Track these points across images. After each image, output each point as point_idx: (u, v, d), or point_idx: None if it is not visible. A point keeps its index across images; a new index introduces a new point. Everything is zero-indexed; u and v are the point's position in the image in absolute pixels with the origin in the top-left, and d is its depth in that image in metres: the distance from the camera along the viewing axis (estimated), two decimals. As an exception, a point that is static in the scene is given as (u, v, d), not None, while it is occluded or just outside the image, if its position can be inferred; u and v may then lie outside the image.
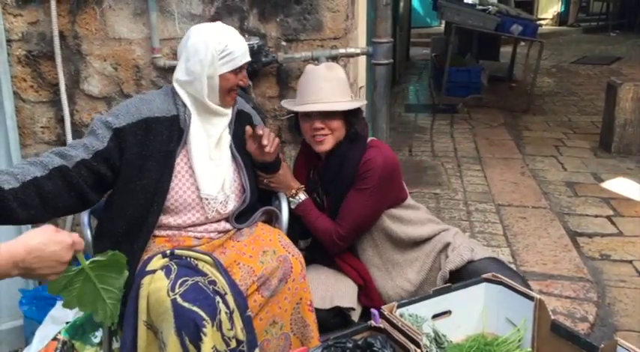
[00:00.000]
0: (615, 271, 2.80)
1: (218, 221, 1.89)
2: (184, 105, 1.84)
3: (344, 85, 2.05)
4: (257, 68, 2.39)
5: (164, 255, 1.73)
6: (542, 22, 11.46)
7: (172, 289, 1.57)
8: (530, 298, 1.72)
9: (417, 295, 1.86)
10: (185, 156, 1.84)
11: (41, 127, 2.61)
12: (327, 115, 1.99)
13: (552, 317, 1.66)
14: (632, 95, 4.43)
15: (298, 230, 2.15)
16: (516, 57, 7.66)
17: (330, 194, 2.13)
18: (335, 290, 2.08)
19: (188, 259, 1.74)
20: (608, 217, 3.40)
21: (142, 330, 1.62)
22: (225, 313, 1.58)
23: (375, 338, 1.51)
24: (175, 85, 1.85)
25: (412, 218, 2.18)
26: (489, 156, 4.53)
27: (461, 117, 5.80)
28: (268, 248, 1.85)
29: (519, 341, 1.76)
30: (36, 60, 2.52)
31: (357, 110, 2.05)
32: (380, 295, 2.16)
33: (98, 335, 2.05)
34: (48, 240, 1.17)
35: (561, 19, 13.78)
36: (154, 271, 1.65)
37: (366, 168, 2.03)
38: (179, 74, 1.84)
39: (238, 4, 2.42)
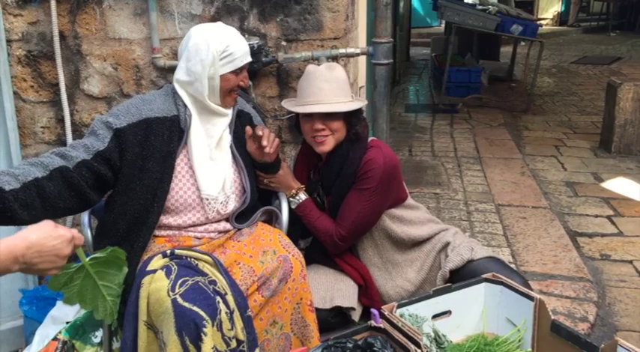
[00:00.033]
0: (615, 271, 2.80)
1: (218, 221, 1.89)
2: (185, 106, 1.84)
3: (345, 85, 2.05)
4: (257, 68, 2.39)
5: (164, 255, 1.73)
6: (542, 22, 11.48)
7: (173, 289, 1.57)
8: (531, 298, 1.72)
9: (418, 295, 1.86)
10: (185, 156, 1.84)
11: (41, 127, 2.61)
12: (327, 116, 1.99)
13: (552, 317, 1.66)
14: (632, 95, 4.42)
15: (298, 230, 2.15)
16: (516, 57, 7.67)
17: (331, 194, 2.13)
18: (335, 290, 2.08)
19: (188, 259, 1.74)
20: (609, 217, 3.40)
21: (142, 330, 1.62)
22: (226, 313, 1.58)
23: (375, 338, 1.51)
24: (176, 85, 1.85)
25: (412, 218, 2.18)
26: (489, 156, 4.53)
27: (461, 117, 5.80)
28: (268, 248, 1.85)
29: (519, 341, 1.76)
30: (36, 60, 2.52)
31: (358, 110, 2.05)
32: (380, 295, 2.16)
33: (98, 335, 2.05)
34: (47, 235, 1.18)
35: (561, 19, 13.79)
36: (154, 271, 1.65)
37: (367, 168, 2.03)
38: (180, 74, 1.84)
39: (238, 4, 2.42)
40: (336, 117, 2.00)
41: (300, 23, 2.42)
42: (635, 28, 12.37)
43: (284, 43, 2.45)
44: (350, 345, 1.49)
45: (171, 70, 2.46)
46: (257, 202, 2.00)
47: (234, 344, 1.59)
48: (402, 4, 7.43)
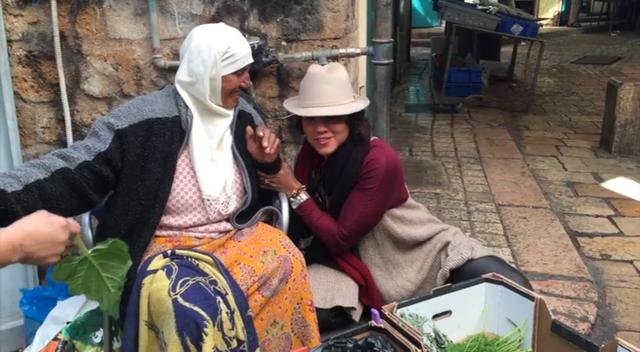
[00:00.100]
0: (616, 271, 2.80)
1: (219, 221, 1.89)
2: (186, 106, 1.84)
3: (347, 86, 2.04)
4: (257, 68, 2.39)
5: (165, 255, 1.73)
6: (542, 22, 11.48)
7: (173, 289, 1.57)
8: (531, 298, 1.72)
9: (418, 295, 1.86)
10: (187, 157, 1.84)
11: (42, 127, 2.61)
12: (330, 119, 1.98)
13: (553, 317, 1.66)
14: (632, 95, 4.42)
15: (299, 230, 2.15)
16: (517, 57, 7.66)
17: (333, 194, 2.13)
18: (336, 289, 2.08)
19: (189, 259, 1.74)
20: (609, 217, 3.40)
21: (143, 330, 1.62)
22: (226, 313, 1.58)
23: (375, 338, 1.51)
24: (177, 86, 1.85)
25: (413, 218, 2.18)
26: (490, 156, 4.53)
27: (461, 117, 5.80)
28: (269, 248, 1.86)
29: (520, 341, 1.76)
30: (36, 60, 2.52)
31: (360, 111, 2.05)
32: (381, 295, 2.16)
33: (99, 335, 2.05)
34: (42, 223, 1.20)
35: (562, 18, 13.78)
36: (155, 271, 1.65)
37: (369, 167, 2.03)
38: (181, 75, 1.84)
39: (238, 4, 2.42)
40: (338, 119, 1.99)
41: (300, 23, 2.42)
42: (635, 28, 12.36)
43: (284, 43, 2.45)
44: (350, 345, 1.49)
45: (172, 70, 2.46)
46: (257, 202, 2.00)
47: (234, 344, 1.59)
48: (402, 4, 7.43)
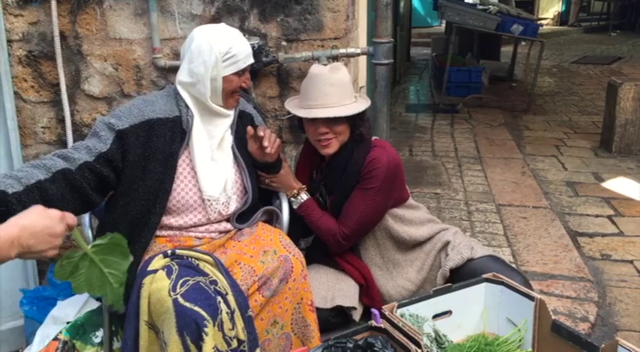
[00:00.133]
0: (616, 271, 2.79)
1: (219, 221, 1.89)
2: (187, 107, 1.84)
3: (348, 86, 2.04)
4: (257, 68, 2.39)
5: (165, 255, 1.73)
6: (542, 21, 11.47)
7: (174, 289, 1.57)
8: (531, 298, 1.72)
9: (418, 295, 1.86)
10: (187, 157, 1.84)
11: (42, 127, 2.61)
12: (332, 120, 1.98)
13: (553, 317, 1.66)
14: (632, 95, 4.42)
15: (299, 230, 2.15)
16: (517, 57, 7.66)
17: (334, 193, 2.12)
18: (336, 289, 2.08)
19: (189, 259, 1.74)
20: (609, 217, 3.40)
21: (143, 330, 1.62)
22: (227, 313, 1.58)
23: (375, 338, 1.51)
24: (178, 86, 1.85)
25: (413, 218, 2.18)
26: (490, 155, 4.53)
27: (461, 117, 5.80)
28: (269, 248, 1.86)
29: (520, 341, 1.76)
30: (37, 60, 2.52)
31: (362, 111, 2.05)
32: (381, 295, 2.16)
33: (99, 335, 2.05)
34: (38, 216, 1.21)
35: (562, 18, 13.78)
36: (155, 271, 1.65)
37: (371, 167, 2.03)
38: (182, 76, 1.83)
39: (239, 4, 2.42)
40: (340, 120, 1.99)
41: (300, 23, 2.42)
42: (635, 28, 12.36)
43: (284, 43, 2.45)
44: (350, 345, 1.49)
45: (172, 70, 2.46)
46: (258, 202, 2.00)
47: (235, 343, 1.59)
48: (402, 4, 7.43)
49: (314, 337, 1.86)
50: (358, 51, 2.48)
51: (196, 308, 1.53)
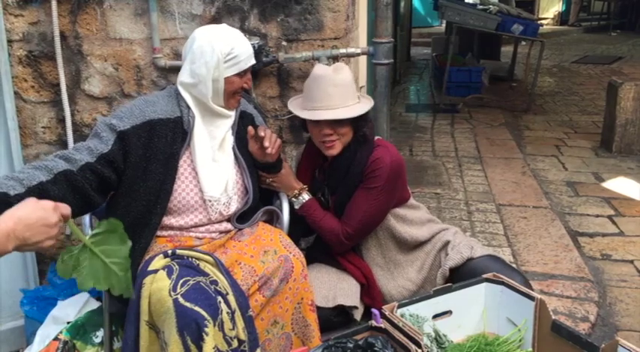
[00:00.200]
0: (616, 271, 2.80)
1: (220, 221, 1.89)
2: (188, 107, 1.84)
3: (352, 87, 2.03)
4: (258, 68, 2.39)
5: (166, 255, 1.73)
6: (543, 21, 11.46)
7: (174, 289, 1.57)
8: (531, 298, 1.72)
9: (418, 295, 1.86)
10: (188, 157, 1.84)
11: (42, 127, 2.61)
12: (336, 121, 1.98)
13: (553, 317, 1.66)
14: (633, 95, 4.42)
15: (299, 229, 2.15)
16: (517, 56, 7.66)
17: (337, 193, 2.12)
18: (338, 288, 2.08)
19: (190, 259, 1.74)
20: (609, 217, 3.40)
21: (143, 330, 1.62)
22: (227, 313, 1.59)
23: (375, 338, 1.51)
24: (179, 87, 1.85)
25: (414, 218, 2.19)
26: (490, 155, 4.53)
27: (462, 116, 5.80)
28: (269, 248, 1.86)
29: (520, 341, 1.76)
30: (37, 60, 2.53)
31: (365, 112, 2.04)
32: (382, 295, 2.16)
33: (99, 335, 2.05)
34: (32, 208, 1.22)
35: (562, 18, 13.78)
36: (155, 271, 1.65)
37: (374, 166, 2.03)
38: (183, 77, 1.83)
39: (239, 4, 2.42)
40: (344, 122, 1.98)
41: (300, 23, 2.42)
42: (635, 28, 12.36)
43: (284, 43, 2.45)
44: (350, 345, 1.49)
45: (172, 70, 2.46)
46: (258, 202, 2.01)
47: (235, 343, 1.59)
48: (402, 3, 7.43)
49: (314, 337, 1.86)
50: (358, 51, 2.48)
51: (197, 308, 1.53)
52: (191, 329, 1.51)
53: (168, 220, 1.82)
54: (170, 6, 2.44)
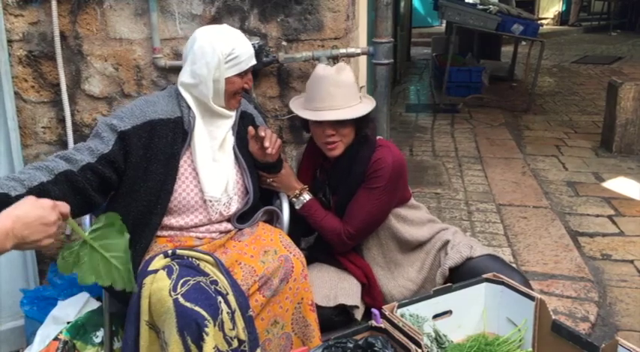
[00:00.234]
0: (616, 271, 2.79)
1: (220, 221, 1.89)
2: (188, 107, 1.84)
3: (354, 87, 2.03)
4: (258, 68, 2.39)
5: (166, 255, 1.73)
6: (543, 21, 11.46)
7: (174, 289, 1.57)
8: (531, 298, 1.72)
9: (418, 295, 1.86)
10: (189, 158, 1.84)
11: (42, 127, 2.61)
12: (339, 122, 1.97)
13: (553, 317, 1.66)
14: (633, 94, 4.42)
15: (299, 229, 2.15)
16: (517, 56, 7.66)
17: (338, 193, 2.12)
18: (339, 288, 2.08)
19: (190, 259, 1.74)
20: (609, 217, 3.39)
21: (143, 330, 1.62)
22: (227, 313, 1.59)
23: (375, 338, 1.51)
24: (180, 87, 1.85)
25: (414, 218, 2.19)
26: (490, 155, 4.53)
27: (462, 116, 5.80)
28: (269, 248, 1.86)
29: (520, 341, 1.76)
30: (37, 60, 2.53)
31: (367, 113, 2.04)
32: (383, 295, 2.16)
33: (99, 335, 2.05)
34: (30, 206, 1.22)
35: (562, 18, 13.78)
36: (155, 271, 1.65)
37: (376, 166, 2.03)
38: (184, 77, 1.83)
39: (239, 4, 2.42)
40: (347, 122, 1.98)
41: (300, 23, 2.43)
42: (636, 28, 12.36)
43: (285, 43, 2.45)
44: (350, 345, 1.49)
45: (172, 70, 2.47)
46: (258, 202, 2.01)
47: (235, 343, 1.59)
48: (402, 3, 7.43)
49: (314, 337, 1.86)
50: (358, 51, 2.48)
51: (197, 308, 1.53)
52: (191, 329, 1.51)
53: (168, 220, 1.82)
54: (170, 6, 2.44)
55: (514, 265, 2.69)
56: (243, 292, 1.70)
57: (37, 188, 1.54)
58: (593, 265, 2.85)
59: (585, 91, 6.93)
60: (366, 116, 2.02)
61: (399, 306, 1.70)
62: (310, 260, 2.14)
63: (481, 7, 6.40)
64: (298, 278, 1.84)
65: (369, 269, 2.16)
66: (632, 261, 2.88)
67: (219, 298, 1.60)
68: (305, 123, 2.10)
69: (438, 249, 2.16)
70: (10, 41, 2.49)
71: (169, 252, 1.74)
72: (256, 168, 1.99)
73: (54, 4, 2.39)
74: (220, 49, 1.77)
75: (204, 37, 1.80)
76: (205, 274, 1.68)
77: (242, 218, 1.94)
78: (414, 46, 9.92)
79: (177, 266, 1.66)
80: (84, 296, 2.22)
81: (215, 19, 2.42)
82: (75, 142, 2.49)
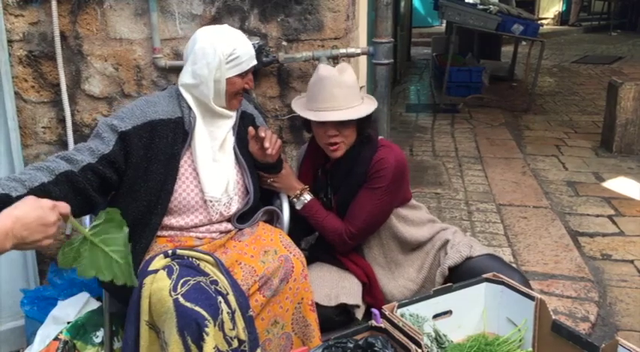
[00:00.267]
0: (616, 271, 2.79)
1: (220, 221, 1.89)
2: (189, 108, 1.84)
3: (356, 87, 2.03)
4: (258, 68, 2.39)
5: (166, 255, 1.73)
6: (543, 21, 11.46)
7: (174, 289, 1.57)
8: (531, 298, 1.72)
9: (418, 295, 1.86)
10: (189, 158, 1.84)
11: (42, 128, 2.61)
12: (341, 122, 1.97)
13: (553, 317, 1.66)
14: (633, 94, 4.42)
15: (300, 229, 2.15)
16: (517, 56, 7.66)
17: (340, 193, 2.12)
18: (340, 287, 2.09)
19: (190, 259, 1.74)
20: (610, 217, 3.40)
21: (144, 330, 1.62)
22: (227, 313, 1.59)
23: (376, 338, 1.51)
24: (181, 88, 1.85)
25: (415, 218, 2.19)
26: (490, 155, 4.53)
27: (462, 116, 5.80)
28: (270, 248, 1.86)
29: (520, 341, 1.76)
30: (37, 60, 2.53)
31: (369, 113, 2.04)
32: (384, 295, 2.16)
33: (99, 335, 2.05)
34: (30, 207, 1.22)
35: (562, 18, 13.78)
36: (156, 271, 1.65)
37: (378, 167, 2.02)
38: (185, 78, 1.83)
39: (239, 4, 2.42)
40: (349, 123, 1.98)
41: (300, 23, 2.43)
42: (636, 28, 12.36)
43: (285, 43, 2.45)
44: (351, 345, 1.49)
45: (172, 70, 2.47)
46: (259, 202, 2.01)
47: (235, 343, 1.59)
48: (402, 3, 7.43)
49: (314, 337, 1.86)
50: (358, 51, 2.48)
51: (197, 308, 1.53)
52: (191, 329, 1.51)
53: (168, 220, 1.82)
54: (170, 6, 2.44)
55: (514, 265, 2.69)
56: (243, 292, 1.70)
57: (38, 188, 1.54)
58: (594, 265, 2.85)
59: (585, 91, 6.94)
60: (368, 116, 2.02)
61: (399, 306, 1.70)
62: (311, 259, 2.14)
63: (481, 7, 6.40)
64: (298, 278, 1.84)
65: (370, 269, 2.16)
66: (632, 261, 2.88)
67: (220, 298, 1.60)
68: (306, 123, 2.10)
69: (438, 248, 2.17)
70: (10, 41, 2.49)
71: (169, 252, 1.74)
72: (256, 168, 1.99)
73: (54, 4, 2.39)
74: (221, 50, 1.77)
75: (205, 37, 1.80)
76: (205, 274, 1.68)
77: (242, 218, 1.94)
78: (414, 46, 9.92)
79: (177, 266, 1.66)
80: (84, 296, 2.22)
81: (215, 19, 2.42)
82: (75, 142, 2.49)
